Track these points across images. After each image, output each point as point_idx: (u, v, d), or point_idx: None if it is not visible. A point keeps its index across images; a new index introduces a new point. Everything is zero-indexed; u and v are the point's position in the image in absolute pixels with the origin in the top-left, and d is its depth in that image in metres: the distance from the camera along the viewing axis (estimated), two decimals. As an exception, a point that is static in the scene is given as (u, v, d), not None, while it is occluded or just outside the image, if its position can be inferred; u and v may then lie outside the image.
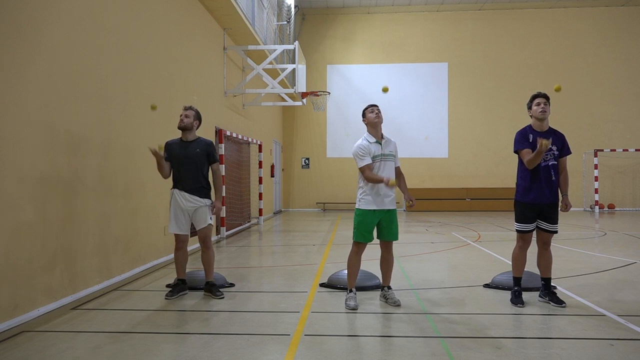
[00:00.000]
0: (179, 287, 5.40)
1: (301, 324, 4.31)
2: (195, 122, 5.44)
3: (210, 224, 5.42)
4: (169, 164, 5.36)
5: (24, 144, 4.46)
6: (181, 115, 5.40)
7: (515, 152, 5.02)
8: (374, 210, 4.88)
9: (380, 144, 4.96)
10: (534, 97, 5.02)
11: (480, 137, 19.96)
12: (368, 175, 4.84)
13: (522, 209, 4.97)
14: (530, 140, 4.89)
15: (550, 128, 5.00)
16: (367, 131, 5.04)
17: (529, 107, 5.04)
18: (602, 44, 19.71)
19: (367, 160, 4.87)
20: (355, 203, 5.08)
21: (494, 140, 19.81)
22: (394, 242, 5.07)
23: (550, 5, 19.79)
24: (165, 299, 5.22)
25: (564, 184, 4.99)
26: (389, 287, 5.08)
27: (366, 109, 5.09)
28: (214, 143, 6.67)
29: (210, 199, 5.46)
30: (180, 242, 5.40)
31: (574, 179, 19.23)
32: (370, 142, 4.94)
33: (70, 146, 5.18)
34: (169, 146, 5.39)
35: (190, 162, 5.32)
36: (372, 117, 4.99)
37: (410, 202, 4.97)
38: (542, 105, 4.90)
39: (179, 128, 5.40)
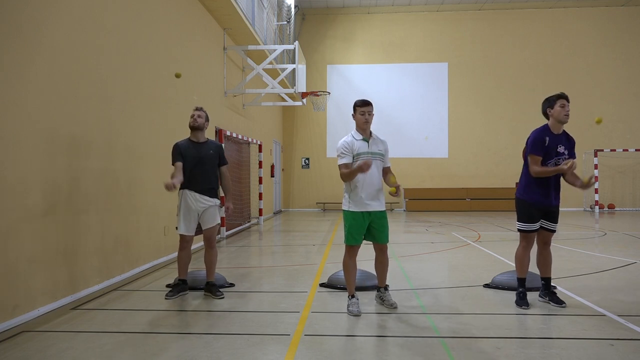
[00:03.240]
0: (179, 287, 5.40)
1: (301, 324, 4.31)
2: (206, 123, 5.49)
3: (218, 224, 5.48)
4: (181, 164, 5.30)
5: (24, 143, 4.46)
6: (194, 115, 5.41)
7: (529, 153, 4.82)
8: (363, 212, 4.71)
9: (367, 141, 4.77)
10: (559, 97, 4.78)
11: (480, 137, 19.96)
12: (343, 172, 4.66)
13: (529, 209, 4.87)
14: (546, 144, 4.74)
15: (564, 131, 4.87)
16: (355, 128, 4.85)
17: (551, 107, 4.79)
18: (602, 44, 19.72)
19: (347, 159, 4.69)
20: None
21: (494, 140, 19.81)
22: (387, 243, 4.91)
23: (550, 5, 19.79)
24: (166, 299, 5.22)
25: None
26: (386, 288, 4.96)
27: (358, 105, 4.79)
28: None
29: (218, 198, 5.49)
30: (185, 242, 5.40)
31: (574, 179, 19.22)
32: (357, 139, 4.76)
33: (70, 146, 5.18)
34: (179, 147, 5.36)
35: (203, 164, 5.34)
36: (360, 121, 4.75)
37: (395, 190, 4.59)
38: (566, 109, 4.72)
39: (192, 127, 5.40)
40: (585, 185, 4.63)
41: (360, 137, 4.79)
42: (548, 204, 4.84)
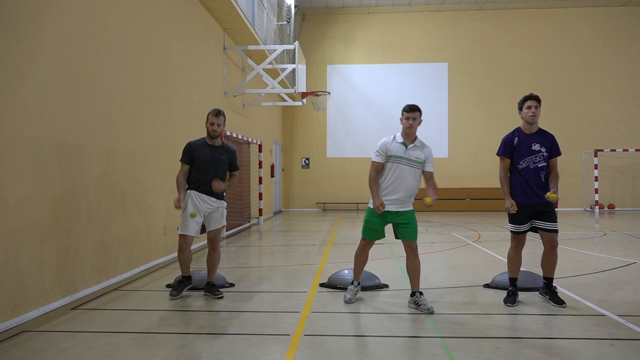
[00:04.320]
0: (183, 284, 5.39)
1: (301, 324, 4.31)
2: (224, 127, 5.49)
3: (224, 225, 5.47)
4: (189, 167, 5.32)
5: (24, 143, 4.46)
6: (213, 124, 5.29)
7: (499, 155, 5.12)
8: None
9: (406, 146, 4.80)
10: (526, 98, 4.96)
11: (480, 137, 19.96)
12: (371, 175, 4.83)
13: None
14: (515, 144, 4.96)
15: (539, 129, 4.99)
16: (401, 131, 4.90)
17: (520, 109, 5.00)
18: (602, 44, 19.71)
19: (379, 159, 4.81)
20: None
21: (494, 140, 19.60)
22: (399, 243, 4.96)
23: (550, 5, 19.79)
24: (171, 298, 5.22)
25: (553, 180, 4.88)
26: (421, 293, 4.80)
27: (405, 110, 4.86)
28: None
29: (225, 200, 5.50)
30: (185, 243, 5.32)
31: (574, 178, 19.24)
32: (397, 142, 4.80)
33: (70, 146, 5.17)
34: (192, 147, 5.31)
35: (214, 167, 5.31)
36: (404, 126, 4.82)
37: (432, 202, 4.65)
38: (532, 109, 4.87)
39: (213, 135, 5.33)
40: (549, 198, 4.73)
41: (401, 140, 4.83)
42: (531, 202, 4.86)
